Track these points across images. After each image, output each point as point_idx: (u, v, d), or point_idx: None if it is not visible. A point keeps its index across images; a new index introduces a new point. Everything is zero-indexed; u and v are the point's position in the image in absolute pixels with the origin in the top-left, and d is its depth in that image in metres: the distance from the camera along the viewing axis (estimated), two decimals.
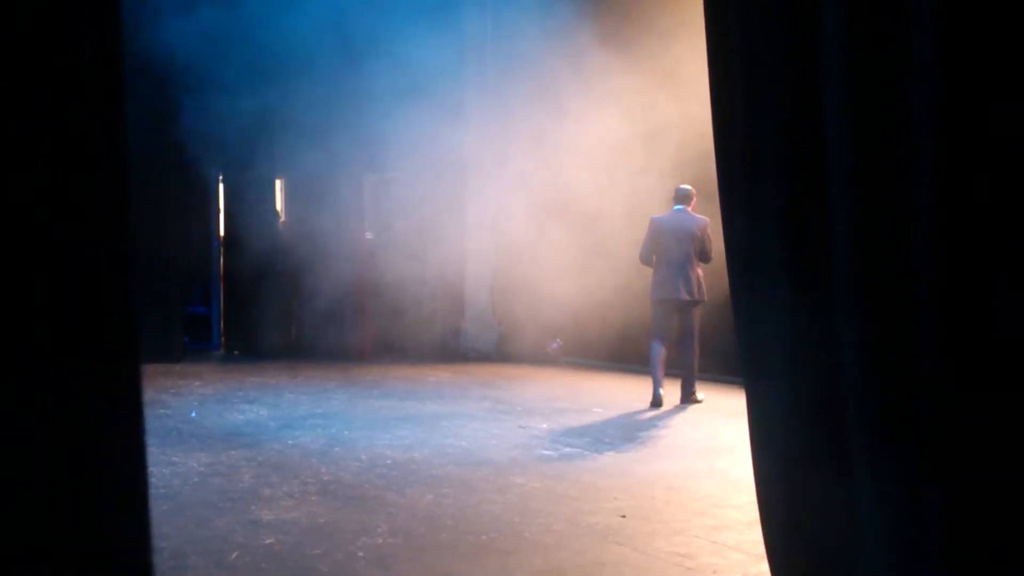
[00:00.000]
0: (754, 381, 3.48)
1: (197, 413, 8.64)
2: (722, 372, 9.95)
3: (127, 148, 2.33)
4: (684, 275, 8.97)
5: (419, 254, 12.27)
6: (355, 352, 12.61)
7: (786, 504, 3.31)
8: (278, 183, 13.42)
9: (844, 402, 3.02)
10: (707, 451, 7.20)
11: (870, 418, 2.89)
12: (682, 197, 9.17)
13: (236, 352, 13.05)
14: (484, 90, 12.42)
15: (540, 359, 12.31)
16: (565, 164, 11.24)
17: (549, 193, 11.27)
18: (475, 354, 12.78)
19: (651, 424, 8.34)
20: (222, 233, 13.42)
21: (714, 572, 4.62)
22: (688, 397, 9.17)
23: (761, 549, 3.63)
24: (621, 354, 11.49)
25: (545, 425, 8.19)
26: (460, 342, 13.00)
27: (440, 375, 11.28)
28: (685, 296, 8.98)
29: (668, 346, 9.13)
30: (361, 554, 4.82)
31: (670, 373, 9.17)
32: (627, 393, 9.75)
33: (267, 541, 5.00)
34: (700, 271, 9.05)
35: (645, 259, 9.21)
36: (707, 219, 8.91)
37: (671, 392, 9.13)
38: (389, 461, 6.81)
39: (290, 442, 7.44)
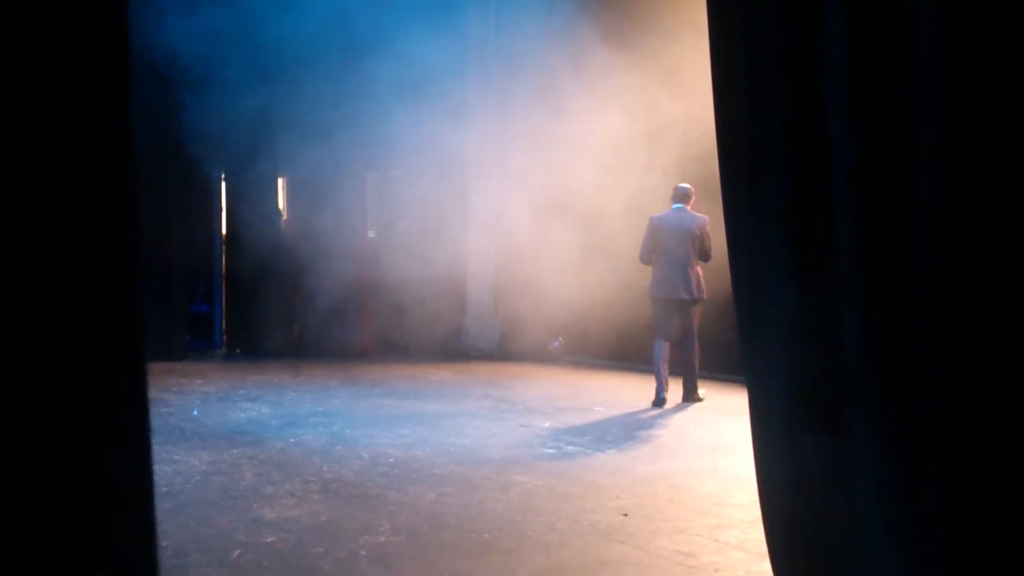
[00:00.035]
0: (756, 380, 3.49)
1: (199, 411, 8.65)
2: (724, 371, 9.95)
3: (133, 148, 2.33)
4: (684, 274, 8.97)
5: (421, 253, 12.27)
6: (357, 351, 12.62)
7: (788, 503, 3.32)
8: (280, 182, 13.43)
9: (846, 401, 3.03)
10: (709, 449, 7.21)
11: (871, 418, 2.89)
12: (681, 196, 9.17)
13: (238, 350, 13.06)
14: (486, 89, 12.42)
15: (542, 358, 12.31)
16: (567, 163, 11.23)
17: (551, 192, 11.27)
18: (477, 353, 12.78)
19: (653, 423, 8.35)
20: (224, 232, 13.43)
21: (716, 570, 4.62)
22: (690, 396, 9.18)
23: (763, 548, 3.63)
24: (623, 353, 11.49)
25: (547, 424, 8.20)
26: (462, 341, 13.01)
27: (442, 374, 11.29)
28: (685, 295, 8.98)
29: (670, 344, 9.14)
30: (363, 552, 4.83)
31: (672, 372, 9.17)
32: (629, 392, 9.76)
33: (269, 539, 5.01)
34: (700, 269, 9.05)
35: (645, 258, 9.21)
36: (706, 217, 8.91)
37: (673, 391, 9.13)
38: (391, 459, 6.82)
39: (292, 440, 7.45)
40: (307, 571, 4.58)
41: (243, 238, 12.64)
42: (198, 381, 10.40)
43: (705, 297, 9.06)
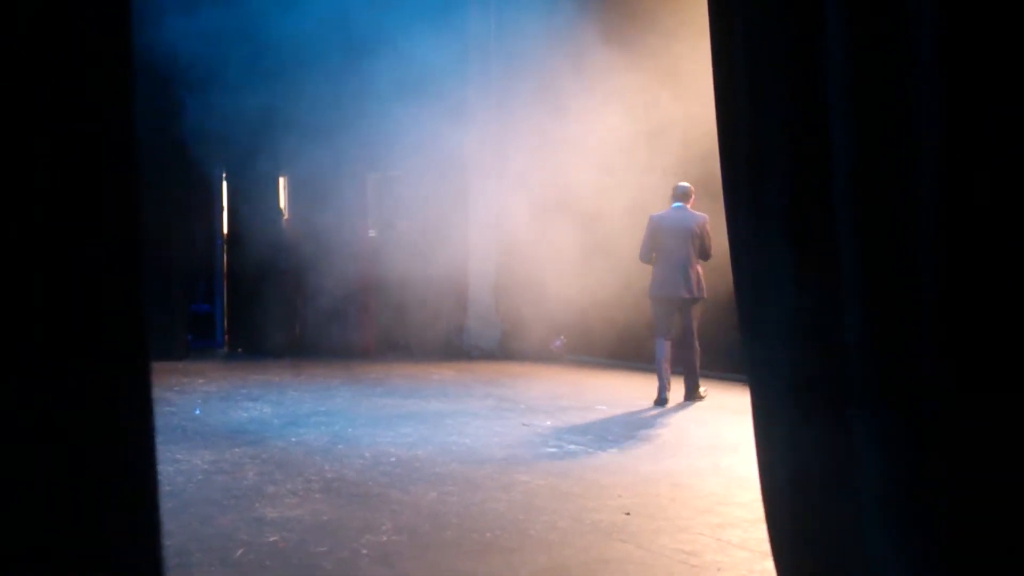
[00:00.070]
0: (758, 379, 3.50)
1: (201, 411, 8.66)
2: (726, 370, 9.95)
3: (137, 148, 2.34)
4: (684, 272, 8.97)
5: (422, 252, 12.27)
6: (358, 350, 12.62)
7: (790, 502, 3.33)
8: (281, 181, 13.43)
9: (847, 401, 3.03)
10: (711, 448, 7.21)
11: (872, 417, 2.90)
12: (681, 194, 9.17)
13: (240, 350, 13.07)
14: (487, 88, 12.42)
15: (543, 357, 12.31)
16: (568, 162, 11.24)
17: (552, 191, 11.28)
18: (478, 352, 12.79)
19: (655, 421, 8.35)
20: (225, 231, 13.44)
21: (719, 569, 4.63)
22: (692, 394, 9.18)
23: (765, 546, 3.64)
24: (624, 352, 11.50)
25: (549, 423, 8.21)
26: (463, 340, 13.02)
27: (443, 373, 11.29)
28: (685, 293, 8.98)
29: (672, 343, 9.14)
30: (365, 552, 4.84)
31: (673, 371, 9.17)
32: (631, 390, 9.76)
33: (271, 539, 5.02)
34: (700, 268, 9.05)
35: (645, 258, 9.21)
36: (706, 216, 8.91)
37: (675, 390, 9.13)
38: (393, 459, 6.83)
39: (294, 440, 7.46)
40: (309, 570, 4.58)
41: (244, 237, 12.64)
42: (200, 380, 10.41)
43: (705, 296, 9.07)
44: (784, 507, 3.36)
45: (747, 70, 3.42)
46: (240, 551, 4.82)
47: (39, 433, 2.15)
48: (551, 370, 11.61)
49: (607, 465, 6.72)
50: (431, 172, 12.20)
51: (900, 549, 2.82)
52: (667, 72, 10.03)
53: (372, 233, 13.36)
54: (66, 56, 2.26)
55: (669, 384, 9.03)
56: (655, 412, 8.77)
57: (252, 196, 12.74)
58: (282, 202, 13.56)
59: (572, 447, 7.29)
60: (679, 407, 8.95)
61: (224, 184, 13.47)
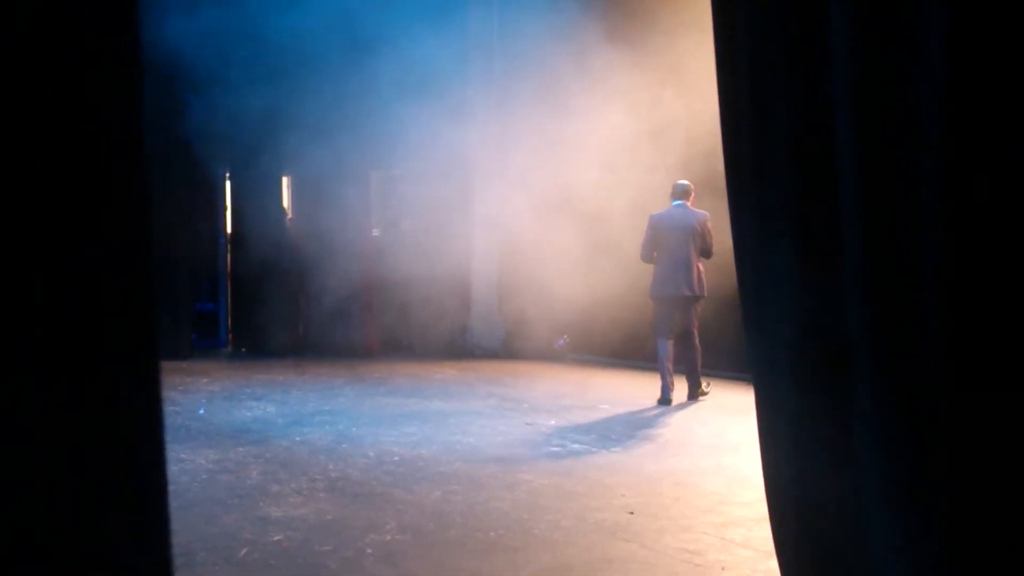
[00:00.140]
0: (762, 379, 3.50)
1: (205, 410, 8.67)
2: (729, 369, 9.95)
3: (144, 148, 2.35)
4: (686, 271, 8.96)
5: (425, 251, 12.28)
6: (362, 349, 12.63)
7: (794, 501, 3.33)
8: (285, 180, 13.45)
9: (851, 400, 3.03)
10: (714, 448, 7.22)
11: (876, 417, 2.90)
12: (681, 193, 9.17)
13: (243, 349, 13.08)
14: (490, 88, 12.43)
15: (547, 356, 12.32)
16: (571, 161, 11.24)
17: (555, 190, 11.28)
18: (481, 351, 12.80)
19: (658, 421, 8.36)
20: (229, 230, 13.46)
21: (722, 568, 4.63)
22: (695, 392, 9.18)
23: (769, 546, 3.64)
24: (627, 351, 11.50)
25: (552, 422, 8.21)
26: (467, 339, 13.03)
27: (447, 372, 11.30)
28: (687, 292, 8.98)
29: (673, 342, 9.14)
30: (370, 551, 4.84)
31: (676, 370, 9.16)
32: (634, 390, 9.76)
33: (276, 538, 5.03)
34: (701, 266, 9.05)
35: (646, 257, 9.20)
36: (707, 214, 8.91)
37: (678, 389, 9.13)
38: (396, 458, 6.83)
39: (298, 439, 7.47)
40: (314, 569, 4.59)
41: (248, 237, 12.65)
42: (203, 380, 10.43)
43: (706, 294, 9.06)
44: (788, 506, 3.36)
45: (750, 69, 3.42)
46: (244, 550, 4.83)
47: (48, 433, 2.16)
48: (554, 369, 11.61)
49: (610, 464, 6.72)
50: (434, 171, 12.20)
51: (902, 549, 2.82)
52: (670, 70, 10.03)
53: (375, 232, 13.38)
54: (74, 55, 2.26)
55: (673, 384, 9.03)
56: (658, 411, 8.77)
57: (256, 196, 12.75)
58: (285, 202, 13.58)
59: (575, 446, 7.29)
60: (682, 406, 8.96)
61: (228, 184, 13.49)
